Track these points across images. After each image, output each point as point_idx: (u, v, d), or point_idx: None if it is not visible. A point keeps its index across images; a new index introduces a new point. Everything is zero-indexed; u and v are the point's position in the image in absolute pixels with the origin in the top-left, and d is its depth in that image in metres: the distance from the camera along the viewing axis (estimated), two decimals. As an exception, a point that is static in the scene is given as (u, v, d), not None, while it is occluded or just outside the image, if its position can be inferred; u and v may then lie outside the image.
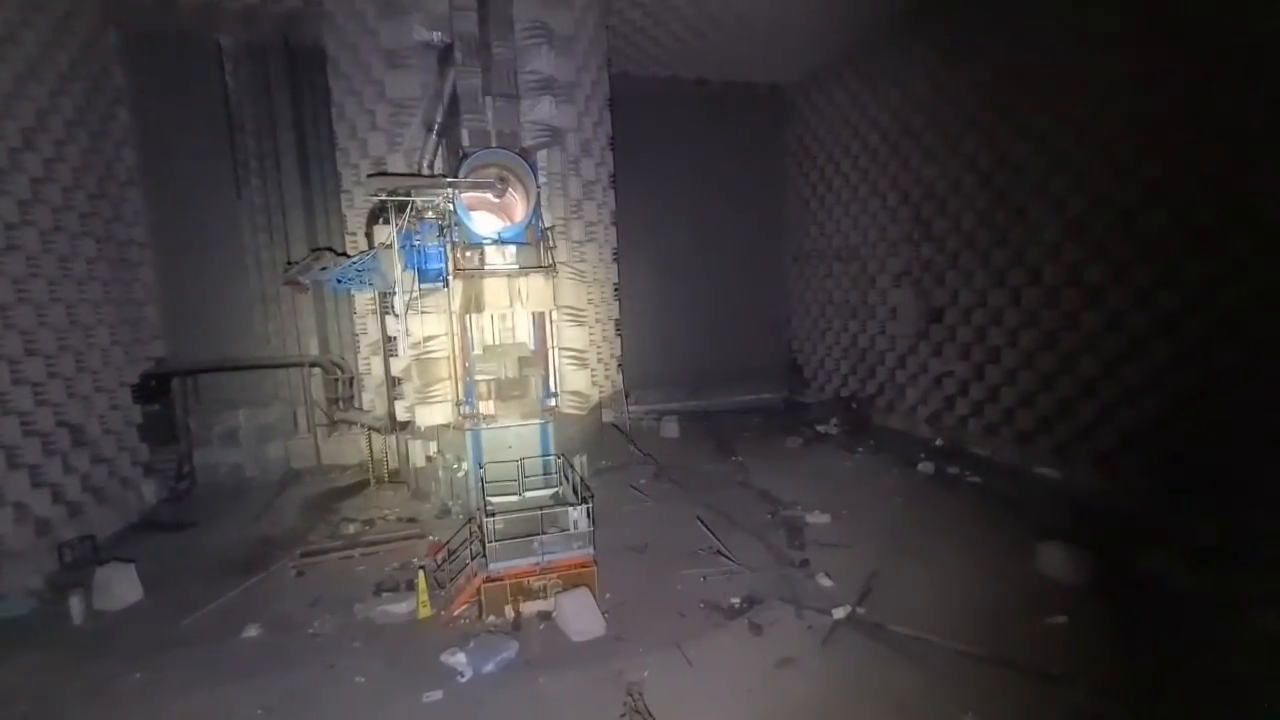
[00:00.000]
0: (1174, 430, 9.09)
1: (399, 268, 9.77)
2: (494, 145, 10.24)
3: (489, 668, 6.54)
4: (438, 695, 6.19)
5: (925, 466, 12.18)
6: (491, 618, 7.40)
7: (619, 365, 14.64)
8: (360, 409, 13.04)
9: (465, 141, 10.24)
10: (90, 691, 6.39)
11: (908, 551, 8.70)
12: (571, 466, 8.98)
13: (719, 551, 8.89)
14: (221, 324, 13.87)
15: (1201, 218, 8.71)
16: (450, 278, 9.77)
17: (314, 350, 14.17)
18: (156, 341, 13.00)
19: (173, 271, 13.35)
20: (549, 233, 10.71)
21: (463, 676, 6.46)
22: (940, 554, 8.59)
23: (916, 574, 8.10)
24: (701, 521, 9.87)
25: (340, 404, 13.19)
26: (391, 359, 11.19)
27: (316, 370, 13.67)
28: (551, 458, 10.04)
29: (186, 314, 13.52)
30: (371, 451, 12.26)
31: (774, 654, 6.59)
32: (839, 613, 7.28)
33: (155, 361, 12.74)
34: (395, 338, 10.58)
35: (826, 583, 8.02)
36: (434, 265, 9.85)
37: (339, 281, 10.98)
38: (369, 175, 11.21)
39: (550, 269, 10.18)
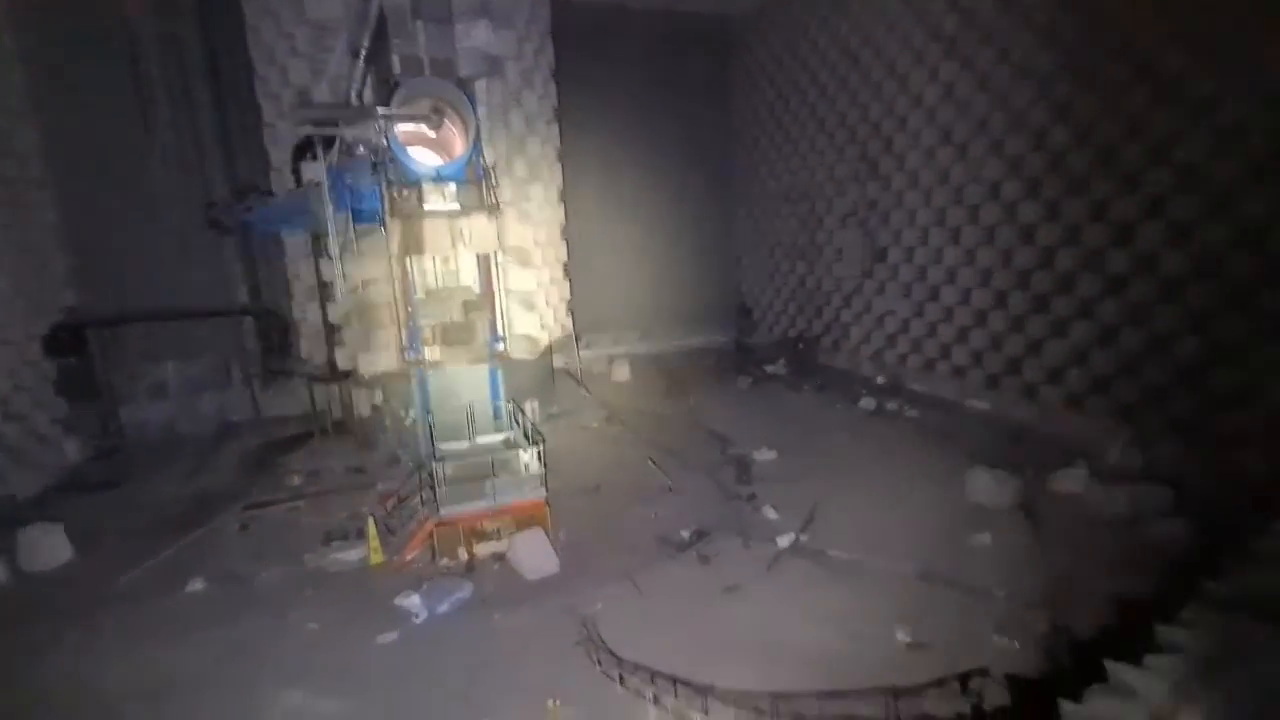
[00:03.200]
0: (1094, 360, 9.69)
1: (330, 208, 9.22)
2: (428, 74, 9.59)
3: (443, 608, 6.62)
4: (393, 636, 6.25)
5: (867, 402, 12.67)
6: (445, 561, 7.44)
7: (569, 309, 14.47)
8: (298, 358, 12.55)
9: (396, 69, 9.55)
10: (24, 654, 6.16)
11: (848, 483, 9.13)
12: (522, 411, 8.93)
13: (670, 489, 9.11)
14: (139, 270, 12.89)
15: (1126, 157, 9.03)
16: (386, 218, 9.29)
17: (244, 297, 13.43)
18: (67, 290, 12.04)
19: (78, 214, 12.23)
20: (491, 171, 10.25)
21: (418, 618, 6.52)
22: (878, 484, 9.05)
23: (856, 503, 8.53)
24: (653, 462, 10.06)
25: (277, 354, 12.65)
26: (329, 305, 10.72)
27: (249, 319, 13.01)
28: (501, 403, 9.94)
29: (98, 260, 12.50)
30: (314, 402, 11.87)
31: (721, 581, 6.89)
32: (783, 541, 7.63)
33: (66, 311, 11.84)
34: (331, 282, 10.10)
35: (772, 514, 8.37)
36: (368, 205, 9.32)
37: (266, 223, 10.31)
38: (292, 106, 10.40)
39: (493, 209, 9.79)
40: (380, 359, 10.20)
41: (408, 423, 10.11)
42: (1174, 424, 8.63)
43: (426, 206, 9.39)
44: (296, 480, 10.07)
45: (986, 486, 8.27)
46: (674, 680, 5.13)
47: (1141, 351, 9.00)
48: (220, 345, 13.48)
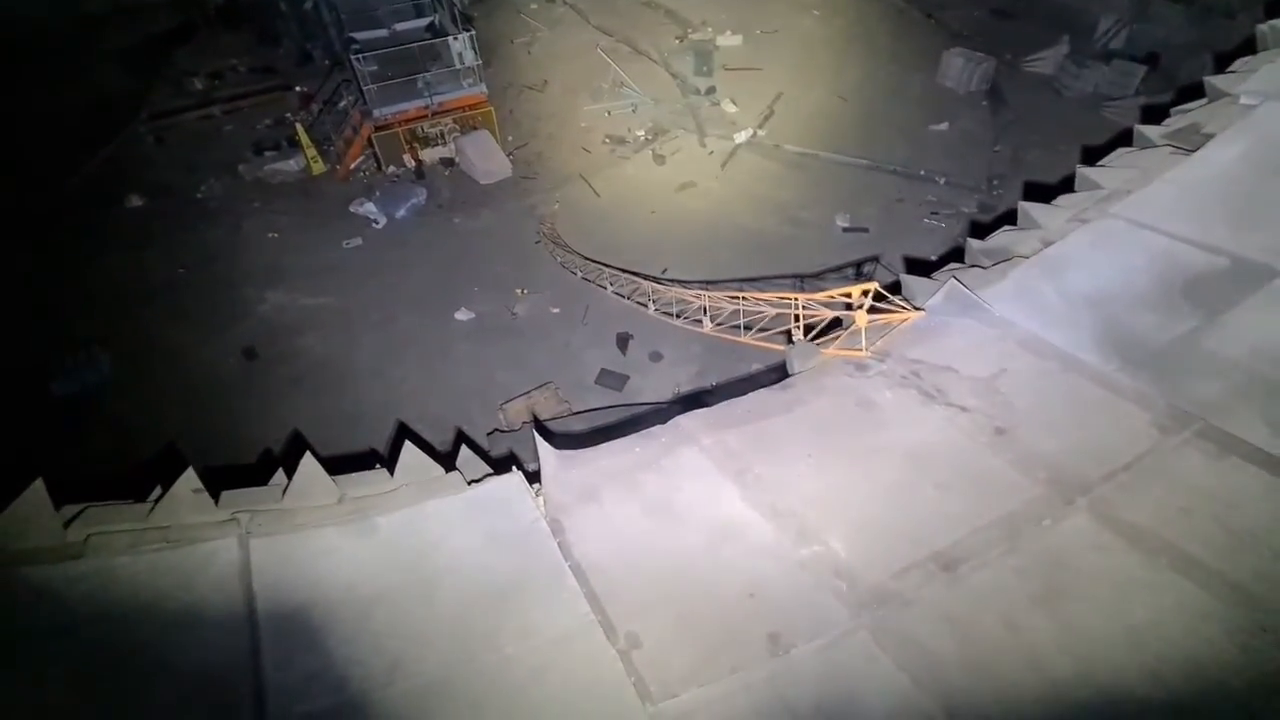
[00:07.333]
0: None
1: None
2: None
3: (402, 213, 6.65)
4: (357, 241, 6.40)
5: (850, -28, 10.87)
6: (391, 168, 7.17)
7: None
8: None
9: None
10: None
11: (816, 71, 8.47)
12: (443, -12, 7.43)
13: (623, 84, 8.38)
14: None
15: None
16: None
17: None
18: None
19: None
20: None
21: (377, 223, 6.59)
22: (847, 72, 8.42)
23: (819, 94, 8.08)
24: (603, 52, 8.98)
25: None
26: None
27: None
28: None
29: None
30: (181, -20, 9.60)
31: (676, 180, 6.94)
32: (740, 137, 7.44)
33: None
34: None
35: (731, 109, 7.95)
36: None
37: None
38: None
39: None
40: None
41: (308, 6, 8.47)
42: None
43: None
44: (198, 84, 8.83)
45: (959, 71, 7.79)
46: (624, 270, 5.59)
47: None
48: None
